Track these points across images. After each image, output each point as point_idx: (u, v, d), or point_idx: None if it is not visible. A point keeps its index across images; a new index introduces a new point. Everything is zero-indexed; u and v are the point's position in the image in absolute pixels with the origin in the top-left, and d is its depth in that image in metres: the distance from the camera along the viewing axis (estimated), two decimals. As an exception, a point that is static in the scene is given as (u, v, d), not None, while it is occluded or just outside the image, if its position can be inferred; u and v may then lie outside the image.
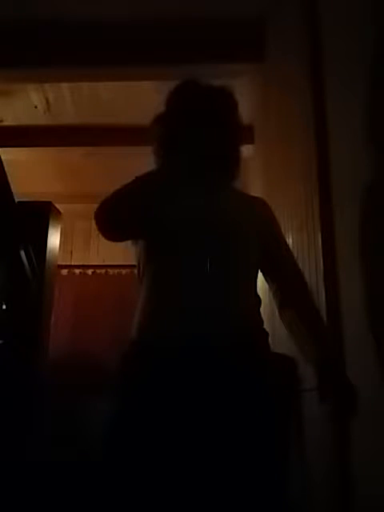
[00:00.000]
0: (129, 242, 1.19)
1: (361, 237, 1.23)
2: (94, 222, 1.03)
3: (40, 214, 2.22)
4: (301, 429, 1.59)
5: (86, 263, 4.97)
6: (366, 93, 1.18)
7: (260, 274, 1.22)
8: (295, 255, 1.28)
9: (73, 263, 4.98)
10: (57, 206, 2.35)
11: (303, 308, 1.15)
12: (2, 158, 1.97)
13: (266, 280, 1.23)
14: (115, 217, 1.04)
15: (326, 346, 1.09)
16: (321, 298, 1.43)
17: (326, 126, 1.55)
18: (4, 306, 2.09)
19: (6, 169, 1.99)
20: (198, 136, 1.14)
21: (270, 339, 1.13)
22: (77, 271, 4.86)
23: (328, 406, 1.00)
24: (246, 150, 2.94)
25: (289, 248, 1.25)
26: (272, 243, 1.20)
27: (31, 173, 4.10)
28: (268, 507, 0.96)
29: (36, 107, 3.33)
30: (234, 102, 1.23)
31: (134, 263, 1.20)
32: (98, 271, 4.86)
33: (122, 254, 4.31)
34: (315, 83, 1.64)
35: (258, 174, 3.06)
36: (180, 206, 1.11)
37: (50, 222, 2.24)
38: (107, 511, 0.98)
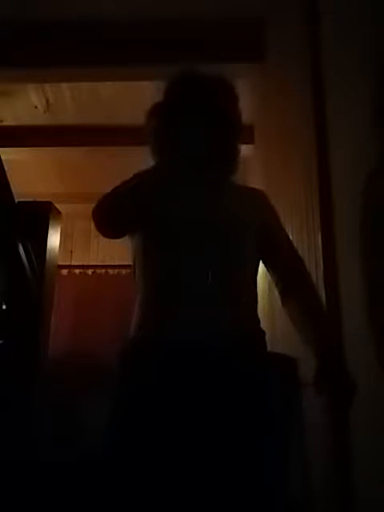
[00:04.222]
0: (128, 240, 1.19)
1: (361, 237, 1.23)
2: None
3: (40, 214, 2.22)
4: (301, 428, 1.59)
5: (86, 263, 4.97)
6: (367, 93, 1.18)
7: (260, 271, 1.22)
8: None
9: (73, 263, 4.98)
10: (57, 206, 2.34)
11: (304, 297, 1.16)
12: (2, 157, 1.97)
13: (268, 270, 1.23)
14: (113, 214, 1.03)
15: (326, 337, 1.10)
16: (321, 298, 1.43)
17: (326, 125, 1.55)
18: (4, 306, 2.09)
19: (6, 169, 1.99)
20: (197, 133, 1.13)
21: (267, 338, 1.13)
22: (77, 271, 4.85)
23: (326, 397, 1.00)
24: (246, 150, 2.94)
25: (289, 237, 1.26)
26: (272, 233, 1.20)
27: (31, 173, 4.10)
28: (268, 507, 0.96)
29: (36, 107, 3.33)
30: (234, 93, 1.22)
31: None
32: (97, 271, 4.85)
33: (122, 254, 4.29)
34: (315, 83, 1.64)
35: (258, 173, 3.06)
36: (179, 203, 1.10)
37: (50, 222, 2.23)
38: (108, 511, 0.98)
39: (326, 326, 1.15)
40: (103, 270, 4.84)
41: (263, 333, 1.12)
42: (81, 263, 4.96)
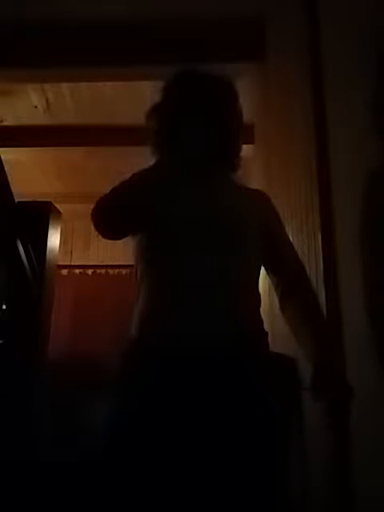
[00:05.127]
0: (129, 241, 1.19)
1: (361, 237, 1.23)
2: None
3: (40, 214, 2.22)
4: (301, 429, 1.59)
5: (85, 263, 4.97)
6: (367, 92, 1.18)
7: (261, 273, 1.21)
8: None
9: (73, 263, 4.98)
10: (57, 206, 2.35)
11: (304, 301, 1.16)
12: (2, 157, 1.97)
13: (268, 273, 1.23)
14: (112, 215, 1.03)
15: (323, 342, 1.09)
16: (321, 298, 1.43)
17: (326, 125, 1.55)
18: (4, 306, 2.09)
19: (6, 169, 1.99)
20: (198, 132, 1.13)
21: (269, 338, 1.13)
22: (77, 271, 4.86)
23: (323, 402, 1.00)
24: (247, 150, 2.94)
25: (290, 241, 1.25)
26: (274, 236, 1.20)
27: (31, 173, 4.10)
28: (268, 507, 0.96)
29: (36, 107, 3.33)
30: (234, 92, 1.21)
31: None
32: (98, 271, 4.86)
33: (122, 254, 4.31)
34: (315, 83, 1.64)
35: (258, 174, 3.06)
36: (180, 203, 1.09)
37: (50, 222, 2.24)
38: (107, 511, 0.98)
39: (323, 331, 1.13)
40: (103, 270, 4.85)
41: (266, 333, 1.12)
42: (81, 263, 4.97)
